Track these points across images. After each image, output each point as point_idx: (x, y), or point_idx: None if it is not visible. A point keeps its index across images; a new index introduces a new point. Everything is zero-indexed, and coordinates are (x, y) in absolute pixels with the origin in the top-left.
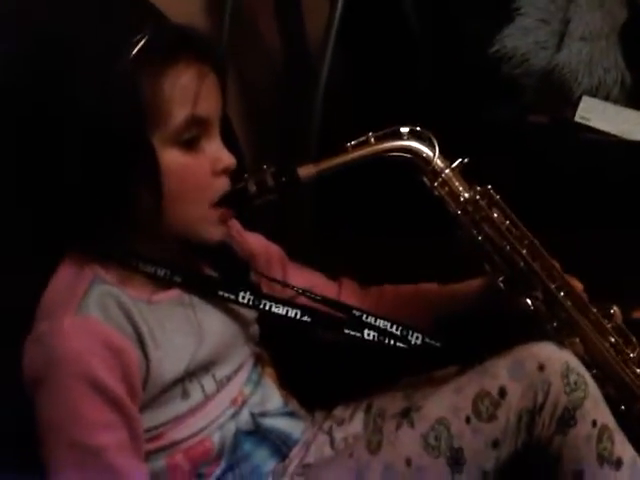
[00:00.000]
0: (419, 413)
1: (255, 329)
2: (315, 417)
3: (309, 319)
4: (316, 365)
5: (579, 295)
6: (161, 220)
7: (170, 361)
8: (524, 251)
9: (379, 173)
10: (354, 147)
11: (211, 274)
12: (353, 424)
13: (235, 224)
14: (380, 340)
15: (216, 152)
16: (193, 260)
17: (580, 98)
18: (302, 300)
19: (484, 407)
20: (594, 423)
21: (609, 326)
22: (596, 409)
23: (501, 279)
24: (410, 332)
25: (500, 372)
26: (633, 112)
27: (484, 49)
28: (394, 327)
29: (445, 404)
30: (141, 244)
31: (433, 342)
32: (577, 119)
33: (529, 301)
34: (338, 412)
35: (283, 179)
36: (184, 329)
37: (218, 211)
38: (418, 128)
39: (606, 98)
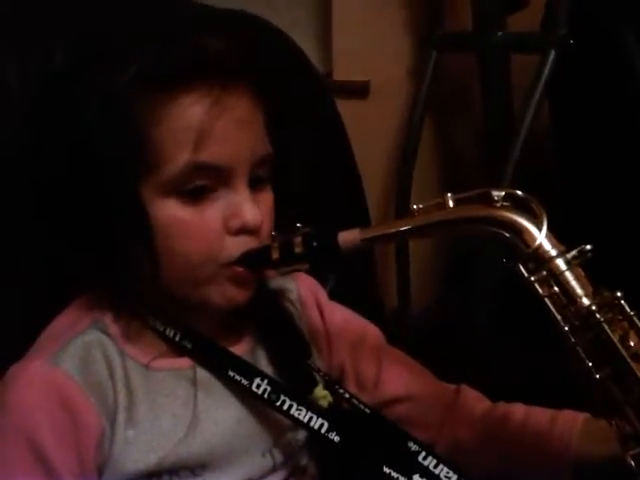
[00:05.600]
0: None
1: (297, 436)
2: None
3: (337, 438)
4: None
5: None
6: (160, 277)
7: (141, 447)
8: None
9: None
10: (422, 212)
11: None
12: None
13: (319, 292)
14: None
15: (234, 206)
16: (229, 328)
17: None
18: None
19: None
20: None
21: None
22: None
23: (633, 453)
24: None
25: None
26: None
27: None
28: None
29: None
30: (162, 298)
31: None
32: None
33: None
34: None
35: (314, 244)
36: (178, 411)
37: (232, 271)
38: (519, 193)
39: None
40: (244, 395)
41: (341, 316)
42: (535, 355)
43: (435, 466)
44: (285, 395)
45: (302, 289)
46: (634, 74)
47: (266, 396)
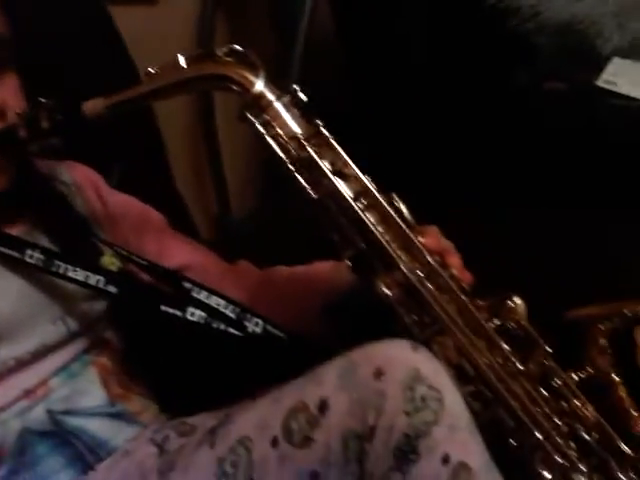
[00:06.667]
0: (225, 428)
1: (95, 306)
2: (158, 423)
3: (115, 290)
4: (178, 363)
5: (448, 277)
6: None
7: None
8: (371, 218)
9: None
10: (156, 75)
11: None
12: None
13: (97, 177)
14: (208, 323)
15: None
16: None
17: (608, 59)
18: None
19: (297, 426)
20: (445, 459)
21: (496, 325)
22: (451, 440)
23: (349, 255)
24: (249, 317)
25: (328, 379)
26: None
27: (482, 1)
28: (229, 308)
29: (255, 418)
30: None
31: (276, 332)
32: (600, 83)
33: (383, 286)
34: (185, 420)
35: (59, 116)
36: None
37: None
38: (239, 48)
39: None
40: (21, 267)
41: (122, 200)
42: None
43: (207, 297)
44: (60, 260)
45: (74, 173)
46: None
47: (40, 264)
